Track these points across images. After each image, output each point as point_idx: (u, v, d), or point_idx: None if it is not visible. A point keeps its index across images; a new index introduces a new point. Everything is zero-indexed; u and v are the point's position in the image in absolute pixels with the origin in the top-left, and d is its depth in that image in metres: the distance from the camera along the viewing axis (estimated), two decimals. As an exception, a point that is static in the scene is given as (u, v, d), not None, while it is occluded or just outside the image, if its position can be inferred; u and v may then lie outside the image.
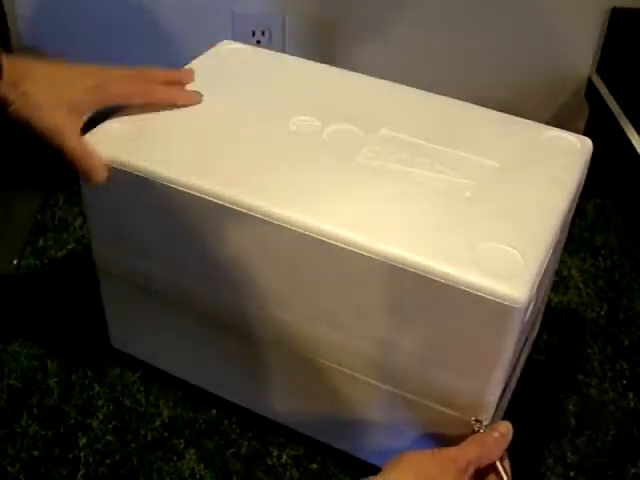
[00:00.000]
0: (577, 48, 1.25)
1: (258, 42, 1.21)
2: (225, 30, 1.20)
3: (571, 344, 0.93)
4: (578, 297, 0.99)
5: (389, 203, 0.65)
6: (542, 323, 0.93)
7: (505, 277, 0.57)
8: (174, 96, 0.74)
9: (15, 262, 0.98)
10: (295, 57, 0.85)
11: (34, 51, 1.20)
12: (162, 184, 0.66)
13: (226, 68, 0.82)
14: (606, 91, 1.22)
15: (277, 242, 0.64)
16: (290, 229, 0.63)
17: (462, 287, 0.58)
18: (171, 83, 0.75)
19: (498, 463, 0.61)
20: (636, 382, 0.88)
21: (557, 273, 1.02)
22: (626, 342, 0.93)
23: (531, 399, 0.85)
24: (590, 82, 1.27)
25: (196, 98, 0.74)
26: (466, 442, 0.61)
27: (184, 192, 0.66)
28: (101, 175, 0.67)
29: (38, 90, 0.66)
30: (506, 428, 0.62)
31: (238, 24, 1.20)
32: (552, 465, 0.79)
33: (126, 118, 0.72)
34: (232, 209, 0.64)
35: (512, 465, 0.63)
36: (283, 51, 1.22)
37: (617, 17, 1.20)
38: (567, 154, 0.71)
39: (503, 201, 0.66)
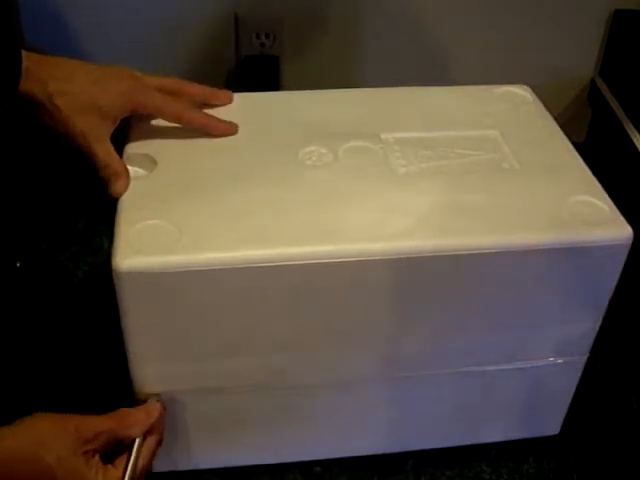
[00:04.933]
0: (580, 50, 1.25)
1: (262, 45, 1.21)
2: (228, 33, 1.20)
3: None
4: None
5: (463, 195, 0.66)
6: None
7: (605, 221, 0.64)
8: (210, 124, 0.70)
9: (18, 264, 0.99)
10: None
11: (37, 48, 1.20)
12: (236, 268, 0.59)
13: None
14: (609, 93, 1.22)
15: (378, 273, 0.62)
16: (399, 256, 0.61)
17: (580, 244, 0.63)
18: (206, 102, 0.72)
19: (137, 440, 0.62)
20: (638, 384, 0.88)
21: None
22: (629, 344, 0.93)
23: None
24: (593, 84, 1.27)
25: (231, 129, 0.70)
26: (108, 413, 0.62)
27: (256, 268, 0.60)
28: (123, 184, 0.63)
29: (68, 92, 0.64)
30: (155, 408, 0.64)
31: (241, 27, 1.20)
32: (554, 467, 0.79)
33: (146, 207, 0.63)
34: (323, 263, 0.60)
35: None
36: (286, 53, 1.22)
37: (620, 19, 1.20)
38: (524, 103, 0.80)
39: (536, 160, 0.71)
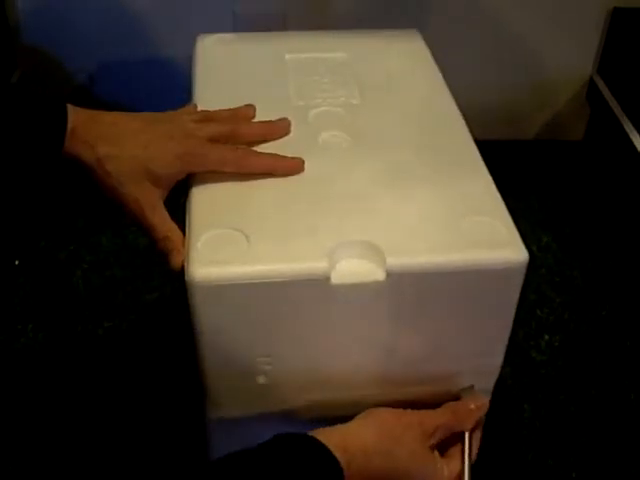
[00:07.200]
0: (578, 48, 1.25)
1: (260, 43, 1.21)
2: (226, 31, 1.20)
3: (572, 344, 0.93)
4: (580, 297, 0.99)
5: None
6: (543, 323, 0.93)
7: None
8: (276, 166, 0.63)
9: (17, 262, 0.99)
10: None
11: (33, 48, 1.20)
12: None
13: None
14: (607, 91, 1.23)
15: None
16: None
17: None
18: (264, 140, 0.66)
19: (467, 434, 0.61)
20: (637, 383, 0.88)
21: (560, 273, 1.03)
22: (628, 343, 0.94)
23: (533, 400, 0.85)
24: (591, 82, 1.27)
25: (299, 165, 0.63)
26: (440, 408, 0.62)
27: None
28: (179, 260, 0.59)
29: (118, 156, 0.60)
30: (482, 401, 0.63)
31: (239, 24, 1.20)
32: (553, 464, 0.79)
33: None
34: None
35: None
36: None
37: (618, 17, 1.20)
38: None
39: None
